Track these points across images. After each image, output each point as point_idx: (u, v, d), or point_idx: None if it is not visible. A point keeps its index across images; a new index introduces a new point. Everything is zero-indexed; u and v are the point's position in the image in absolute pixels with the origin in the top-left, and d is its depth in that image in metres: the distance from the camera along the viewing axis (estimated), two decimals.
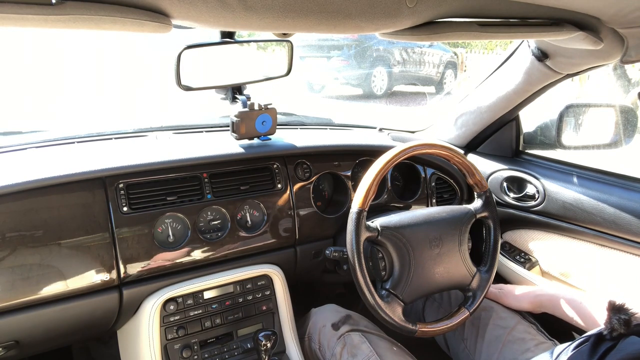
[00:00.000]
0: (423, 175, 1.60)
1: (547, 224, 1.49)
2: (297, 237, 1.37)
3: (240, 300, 1.28)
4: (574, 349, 0.82)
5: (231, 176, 1.28)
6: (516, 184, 1.58)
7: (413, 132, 1.84)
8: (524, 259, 1.57)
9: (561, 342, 0.96)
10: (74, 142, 1.30)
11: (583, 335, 0.85)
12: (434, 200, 1.62)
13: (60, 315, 1.08)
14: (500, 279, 1.61)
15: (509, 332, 1.24)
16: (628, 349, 0.71)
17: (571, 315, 1.20)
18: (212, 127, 1.51)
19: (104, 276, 1.10)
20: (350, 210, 1.15)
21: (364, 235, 1.14)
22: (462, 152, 1.59)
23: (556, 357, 0.86)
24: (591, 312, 1.15)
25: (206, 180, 1.24)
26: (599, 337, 0.77)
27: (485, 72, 1.52)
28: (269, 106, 1.31)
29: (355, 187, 1.45)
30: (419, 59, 8.69)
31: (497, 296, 1.36)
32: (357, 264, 1.12)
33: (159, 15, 0.61)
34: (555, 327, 1.27)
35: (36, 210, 1.04)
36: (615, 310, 0.76)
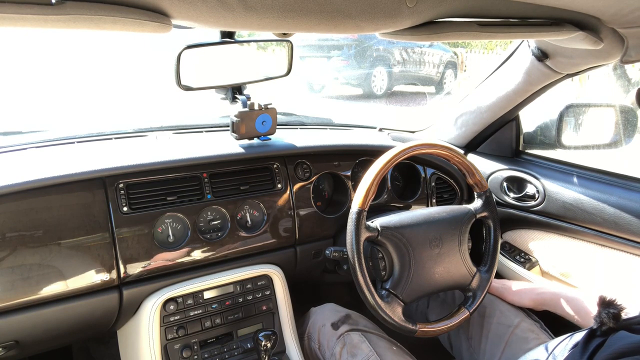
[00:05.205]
0: (423, 175, 1.60)
1: (547, 224, 1.49)
2: (297, 237, 1.37)
3: (240, 300, 1.28)
4: (571, 349, 0.82)
5: (231, 176, 1.28)
6: (516, 184, 1.58)
7: (413, 132, 1.84)
8: (524, 259, 1.57)
9: None
10: (74, 142, 1.30)
11: (576, 332, 0.85)
12: (434, 200, 1.62)
13: (60, 315, 1.08)
14: (501, 279, 1.61)
15: (513, 331, 1.24)
16: (616, 344, 0.71)
17: (573, 313, 1.19)
18: (212, 127, 1.51)
19: (104, 276, 1.10)
20: (350, 210, 1.15)
21: (364, 235, 1.14)
22: (462, 152, 1.59)
23: (551, 351, 0.87)
24: (593, 311, 1.14)
25: (206, 180, 1.24)
26: (590, 333, 0.78)
27: (485, 72, 1.52)
28: (269, 106, 1.31)
29: (355, 187, 1.45)
30: (419, 59, 8.69)
31: (499, 291, 1.36)
32: (357, 264, 1.12)
33: (159, 15, 0.61)
34: (558, 325, 1.27)
35: (36, 210, 1.04)
36: (605, 304, 0.76)
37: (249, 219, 1.30)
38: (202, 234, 1.22)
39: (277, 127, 1.35)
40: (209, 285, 1.23)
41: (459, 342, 1.37)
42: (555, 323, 1.27)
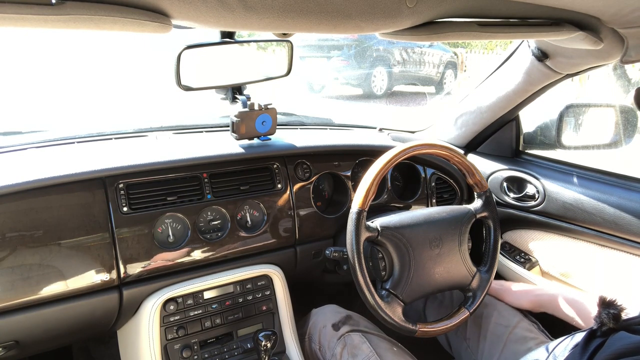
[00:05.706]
0: (423, 175, 1.60)
1: (547, 224, 1.49)
2: (297, 237, 1.37)
3: (240, 300, 1.28)
4: (571, 349, 0.82)
5: (231, 176, 1.28)
6: (516, 184, 1.58)
7: (413, 132, 1.84)
8: (524, 259, 1.57)
9: None
10: (74, 142, 1.30)
11: (577, 332, 0.85)
12: (434, 200, 1.62)
13: (60, 315, 1.08)
14: (500, 279, 1.61)
15: (511, 331, 1.24)
16: (616, 345, 0.71)
17: (572, 315, 1.19)
18: (212, 127, 1.51)
19: (104, 276, 1.10)
20: (350, 211, 1.15)
21: (364, 235, 1.14)
22: (462, 152, 1.59)
23: (551, 351, 0.87)
24: (591, 313, 1.14)
25: (206, 180, 1.24)
26: (590, 333, 0.78)
27: (485, 72, 1.52)
28: (269, 106, 1.31)
29: (355, 187, 1.45)
30: (419, 59, 8.69)
31: (497, 292, 1.36)
32: (357, 264, 1.12)
33: (159, 16, 0.61)
34: (556, 327, 1.27)
35: (36, 210, 1.04)
36: (606, 305, 0.77)
37: (249, 219, 1.30)
38: (202, 234, 1.22)
39: (277, 127, 1.35)
40: (209, 285, 1.23)
41: (457, 343, 1.37)
42: (553, 325, 1.27)
